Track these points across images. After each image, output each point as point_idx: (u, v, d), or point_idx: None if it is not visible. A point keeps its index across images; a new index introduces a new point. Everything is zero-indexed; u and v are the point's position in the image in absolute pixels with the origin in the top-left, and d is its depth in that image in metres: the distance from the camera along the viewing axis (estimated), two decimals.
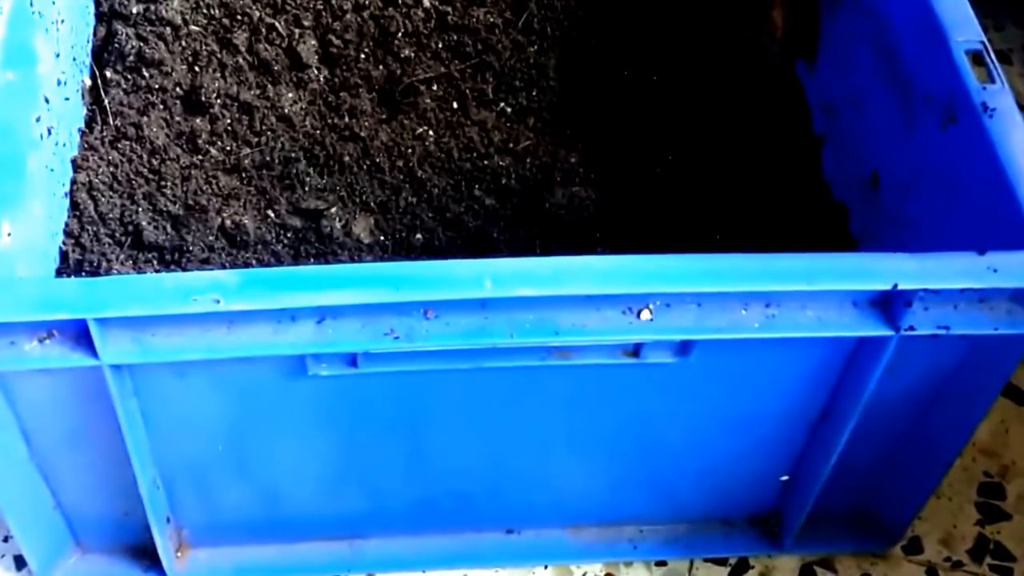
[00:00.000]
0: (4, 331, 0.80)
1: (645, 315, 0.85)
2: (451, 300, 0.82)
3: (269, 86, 1.18)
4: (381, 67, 1.20)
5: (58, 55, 1.04)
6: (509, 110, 1.19)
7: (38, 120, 0.97)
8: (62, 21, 1.05)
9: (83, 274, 1.02)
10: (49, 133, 0.99)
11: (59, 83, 1.04)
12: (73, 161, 1.08)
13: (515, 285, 0.82)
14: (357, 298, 0.81)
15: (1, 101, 0.91)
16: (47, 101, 0.99)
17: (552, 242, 1.09)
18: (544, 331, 0.84)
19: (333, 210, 1.10)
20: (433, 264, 0.83)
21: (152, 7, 1.19)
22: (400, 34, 1.22)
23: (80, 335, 0.81)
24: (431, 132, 1.17)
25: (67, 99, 1.06)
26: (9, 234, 0.88)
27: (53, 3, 1.04)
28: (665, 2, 1.26)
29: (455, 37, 1.22)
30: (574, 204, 1.11)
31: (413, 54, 1.21)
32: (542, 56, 1.22)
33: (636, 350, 0.88)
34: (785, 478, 1.03)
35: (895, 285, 0.84)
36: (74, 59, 1.10)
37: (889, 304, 0.86)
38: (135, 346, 0.82)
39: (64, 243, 1.04)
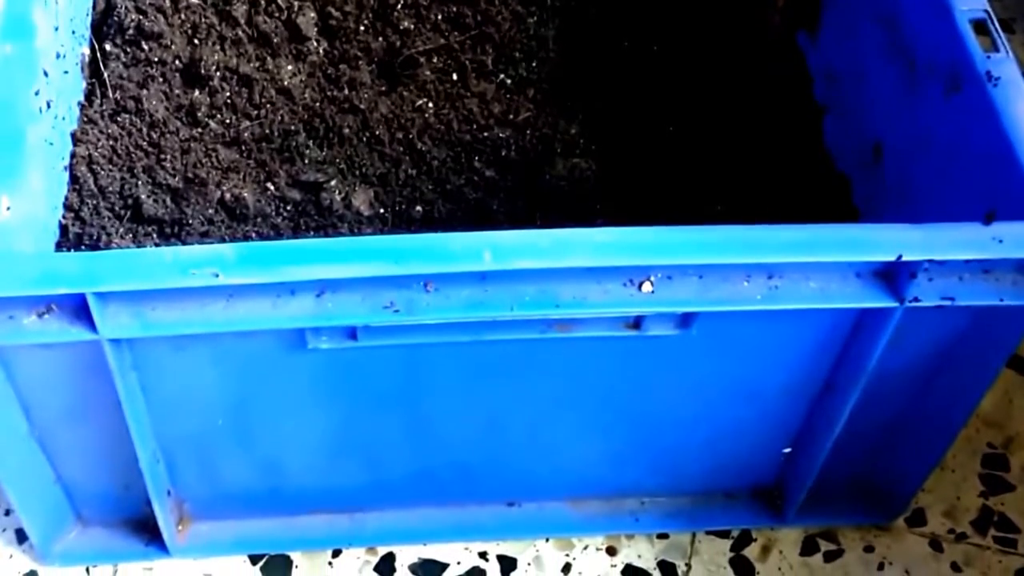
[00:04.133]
0: (3, 305, 0.80)
1: (647, 287, 0.84)
2: (451, 273, 0.82)
3: (268, 59, 1.18)
4: (381, 39, 1.20)
5: (57, 28, 1.04)
6: (509, 82, 1.19)
7: (37, 94, 0.96)
8: None
9: (83, 248, 1.01)
10: (48, 106, 0.99)
11: (58, 56, 1.03)
12: (73, 135, 1.07)
13: (515, 257, 0.82)
14: (357, 271, 0.81)
15: (0, 75, 0.90)
16: (46, 74, 0.99)
17: (552, 214, 1.09)
18: (545, 304, 0.84)
19: (333, 183, 1.09)
20: (433, 237, 0.83)
21: None
22: (399, 6, 1.21)
23: (79, 309, 0.81)
24: (431, 104, 1.16)
25: (66, 72, 1.06)
26: (8, 208, 0.87)
27: None
28: None
29: (454, 9, 1.21)
30: (574, 176, 1.11)
31: (413, 26, 1.21)
32: (542, 27, 1.22)
33: (638, 322, 0.88)
34: (788, 450, 1.03)
35: (899, 256, 0.83)
36: (73, 32, 1.10)
37: (893, 275, 0.86)
38: (134, 320, 0.82)
39: (64, 217, 1.03)
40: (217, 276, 0.79)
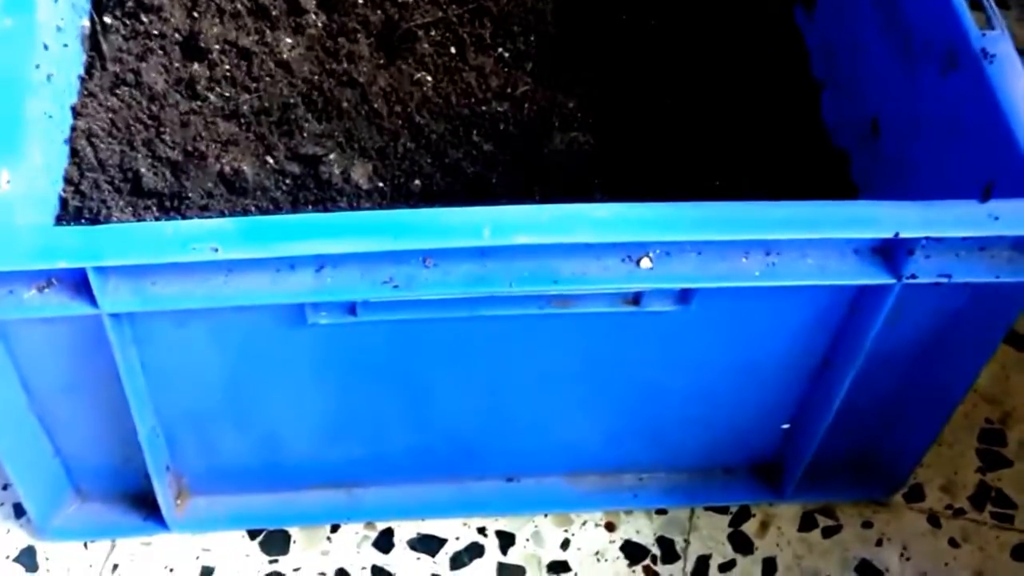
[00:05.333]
0: (3, 280, 0.80)
1: (645, 263, 0.84)
2: (450, 248, 0.82)
3: (267, 31, 1.18)
4: (379, 12, 1.20)
5: (56, 1, 1.03)
6: (507, 55, 1.18)
7: (37, 67, 0.96)
8: None
9: (83, 221, 1.01)
10: (48, 80, 0.99)
11: (58, 29, 1.03)
12: (73, 108, 1.07)
13: (514, 233, 0.82)
14: (356, 246, 0.81)
15: (0, 48, 0.90)
16: (46, 48, 0.99)
17: (551, 188, 1.09)
18: (543, 279, 0.84)
19: (332, 156, 1.09)
20: (432, 212, 0.83)
21: None
22: None
23: (79, 284, 0.81)
24: (429, 78, 1.16)
25: (66, 45, 1.06)
26: (8, 182, 0.87)
27: None
28: None
29: None
30: (572, 150, 1.11)
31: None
32: (540, 1, 1.22)
33: (636, 298, 0.88)
34: (786, 426, 1.03)
35: (897, 233, 0.84)
36: (73, 5, 1.09)
37: (891, 252, 0.86)
38: (134, 295, 0.82)
39: (64, 190, 1.03)
40: (217, 251, 0.79)
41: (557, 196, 1.07)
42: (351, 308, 0.86)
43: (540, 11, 1.21)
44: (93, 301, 0.81)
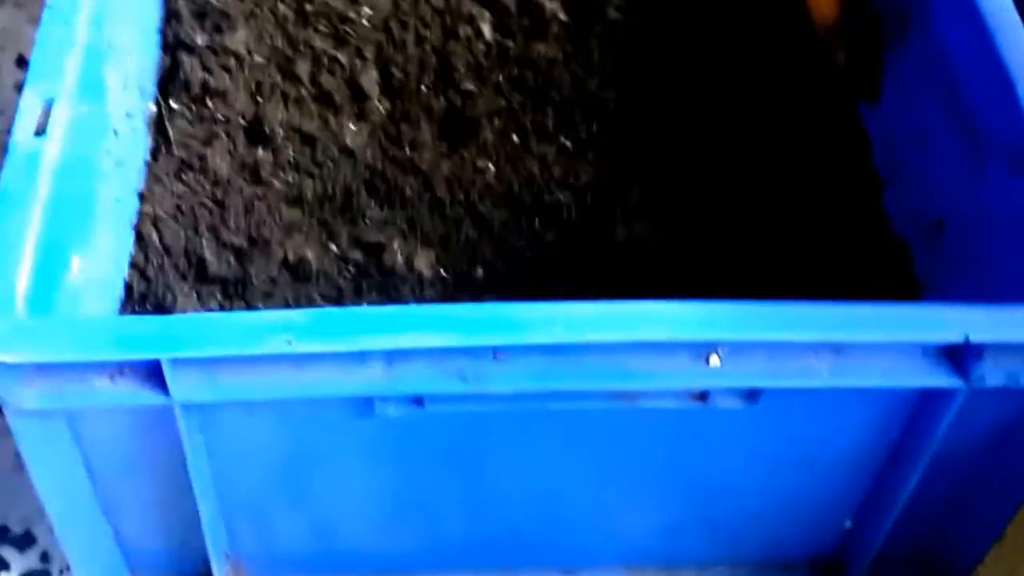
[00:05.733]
0: (78, 369, 0.81)
1: (714, 361, 0.84)
2: (521, 344, 0.82)
3: (331, 117, 1.19)
4: (442, 99, 1.21)
5: (126, 86, 1.05)
6: (569, 144, 1.19)
7: (108, 152, 0.97)
8: (131, 52, 1.06)
9: (148, 307, 1.02)
10: (118, 165, 1.00)
11: (127, 115, 1.04)
12: (139, 192, 1.08)
13: (585, 330, 0.82)
14: (429, 341, 0.81)
15: (75, 135, 0.91)
16: (116, 133, 1.00)
17: (614, 279, 1.09)
18: (612, 376, 0.84)
19: (395, 244, 1.10)
20: (504, 307, 0.83)
21: (217, 38, 1.20)
22: (461, 67, 1.22)
23: (151, 373, 0.81)
24: (491, 166, 1.17)
25: (134, 130, 1.07)
26: (79, 270, 0.88)
27: (123, 34, 1.04)
28: (727, 40, 1.25)
29: (516, 71, 1.22)
30: (635, 241, 1.11)
31: (474, 87, 1.21)
32: (602, 90, 1.22)
33: (704, 394, 0.88)
34: (849, 524, 1.02)
35: (967, 337, 0.83)
36: (140, 89, 1.11)
37: (959, 355, 0.85)
38: (205, 384, 0.82)
39: (129, 275, 1.04)
40: (291, 343, 0.79)
41: (620, 287, 1.06)
42: (419, 399, 0.86)
43: (602, 100, 1.21)
44: (165, 391, 0.81)
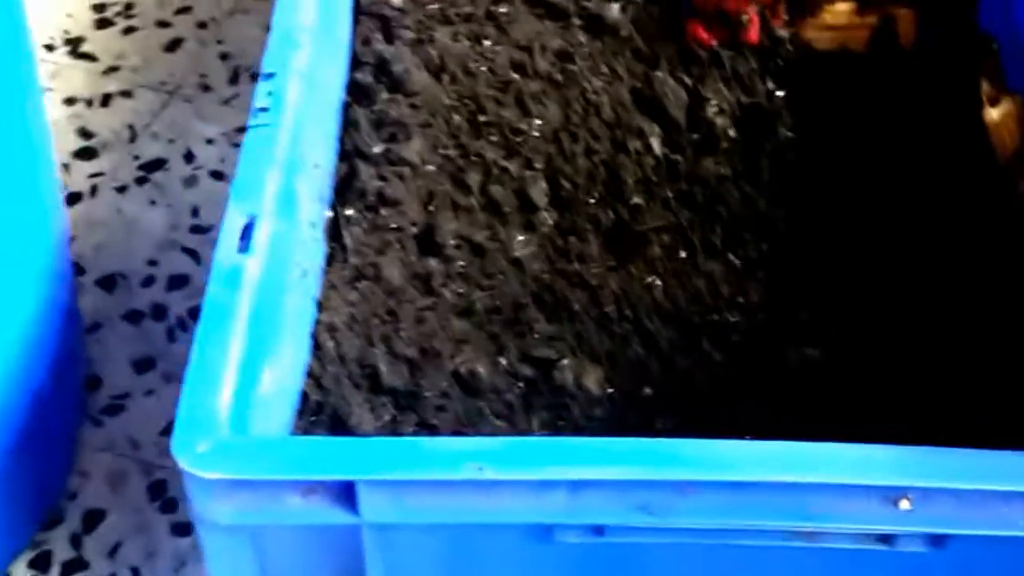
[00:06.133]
0: (272, 486, 0.82)
1: (904, 505, 0.83)
2: (708, 481, 0.82)
3: (500, 228, 1.20)
4: (610, 213, 1.21)
5: (311, 197, 1.07)
6: (738, 263, 1.19)
7: (297, 264, 0.99)
8: (316, 165, 1.08)
9: (323, 416, 1.04)
10: (302, 276, 1.02)
11: (311, 225, 1.06)
12: (317, 300, 1.10)
13: (774, 470, 0.82)
14: (616, 474, 0.81)
15: (272, 249, 0.93)
16: (303, 244, 1.02)
17: (784, 404, 1.08)
18: (796, 515, 0.84)
19: (564, 361, 1.10)
20: (691, 443, 0.84)
21: (393, 147, 1.22)
22: (630, 181, 1.23)
23: (342, 492, 0.82)
24: (659, 282, 1.17)
25: (315, 239, 1.09)
26: (270, 381, 0.90)
27: (312, 146, 1.06)
28: (904, 165, 1.25)
29: (685, 187, 1.23)
30: (807, 365, 1.10)
31: (642, 201, 1.22)
32: (771, 209, 1.22)
33: (887, 537, 0.87)
34: None
35: None
36: (320, 197, 1.13)
37: None
38: (393, 506, 0.83)
39: (306, 384, 1.05)
40: (481, 470, 0.80)
41: (791, 414, 1.06)
42: (599, 528, 0.87)
43: (771, 218, 1.21)
44: (355, 511, 0.82)
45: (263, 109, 0.99)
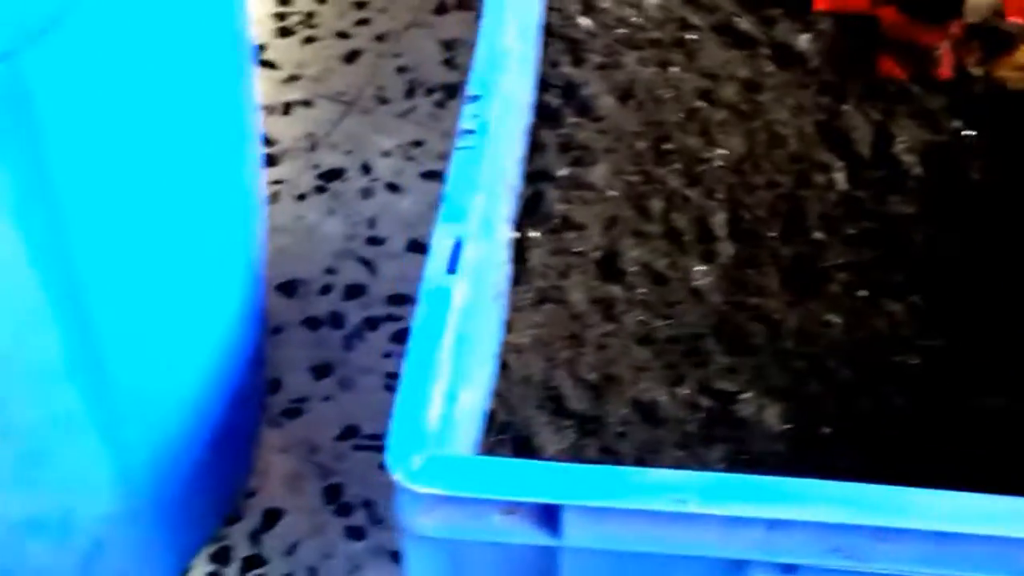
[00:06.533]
0: (476, 504, 0.84)
1: None
2: (907, 529, 0.82)
3: (679, 256, 1.20)
4: (790, 247, 1.21)
5: (502, 218, 1.09)
6: (920, 304, 1.18)
7: (492, 285, 1.01)
8: (510, 186, 1.10)
9: (507, 436, 1.05)
10: (496, 297, 1.03)
11: (503, 246, 1.08)
12: (504, 321, 1.11)
13: (975, 523, 0.82)
14: (818, 516, 0.82)
15: (475, 272, 0.95)
16: (497, 266, 1.03)
17: (967, 453, 1.07)
18: (998, 568, 0.83)
19: (743, 394, 1.10)
20: (890, 491, 0.84)
21: (579, 171, 1.23)
22: (812, 215, 1.23)
23: (544, 514, 0.84)
24: (839, 320, 1.16)
25: (505, 261, 1.11)
26: (465, 402, 0.91)
27: (507, 169, 1.08)
28: None
29: (867, 224, 1.22)
30: (992, 416, 1.09)
31: (824, 237, 1.22)
32: (957, 252, 1.21)
33: None
34: None
35: None
36: (507, 219, 1.15)
37: None
38: (593, 531, 0.84)
39: (493, 404, 1.07)
40: (683, 503, 0.81)
41: (975, 462, 1.05)
42: (792, 568, 0.87)
43: (956, 260, 1.20)
44: (556, 533, 0.84)
45: (469, 131, 1.01)
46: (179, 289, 1.03)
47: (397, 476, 0.82)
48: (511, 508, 0.84)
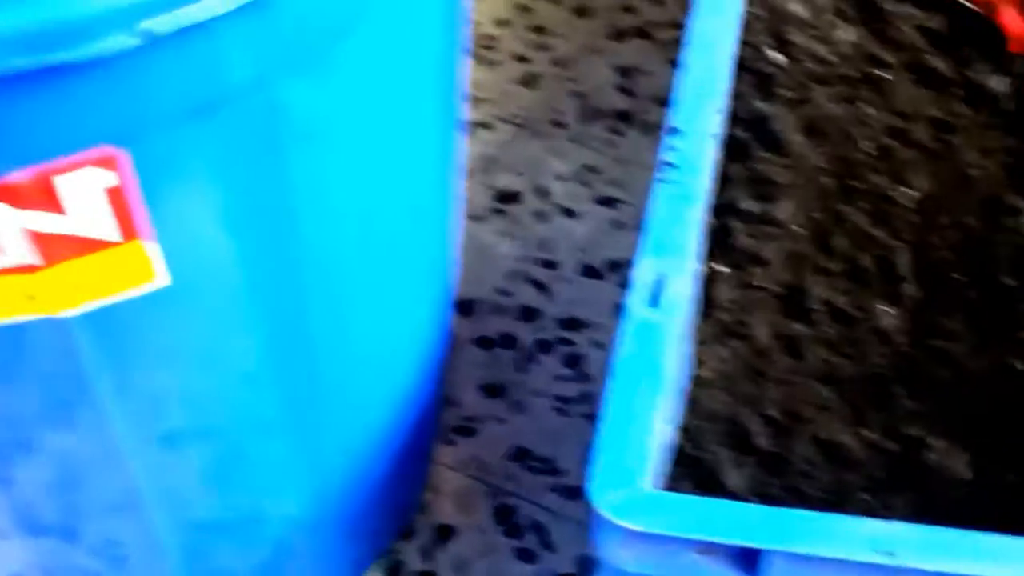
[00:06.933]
0: (675, 542, 0.84)
1: None
2: None
3: (863, 295, 1.19)
4: (977, 290, 1.20)
5: (695, 251, 1.09)
6: None
7: (687, 318, 1.01)
8: (701, 220, 1.10)
9: (692, 470, 1.05)
10: (685, 332, 1.03)
11: (695, 280, 1.08)
12: (689, 355, 1.11)
13: None
14: None
15: (673, 306, 0.95)
16: (691, 300, 1.03)
17: None
18: None
19: (930, 440, 1.09)
20: None
21: (765, 207, 1.23)
22: (1002, 259, 1.21)
23: (741, 556, 0.84)
24: None
25: (693, 296, 1.11)
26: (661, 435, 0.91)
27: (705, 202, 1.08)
28: None
29: None
30: None
31: (1014, 282, 1.20)
32: None
33: None
34: None
35: None
36: (696, 253, 1.15)
37: None
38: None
39: (679, 438, 1.07)
40: (891, 556, 0.80)
41: None
42: None
43: None
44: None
45: (670, 164, 1.01)
46: (387, 302, 1.04)
47: (601, 510, 0.82)
48: (710, 548, 0.84)
